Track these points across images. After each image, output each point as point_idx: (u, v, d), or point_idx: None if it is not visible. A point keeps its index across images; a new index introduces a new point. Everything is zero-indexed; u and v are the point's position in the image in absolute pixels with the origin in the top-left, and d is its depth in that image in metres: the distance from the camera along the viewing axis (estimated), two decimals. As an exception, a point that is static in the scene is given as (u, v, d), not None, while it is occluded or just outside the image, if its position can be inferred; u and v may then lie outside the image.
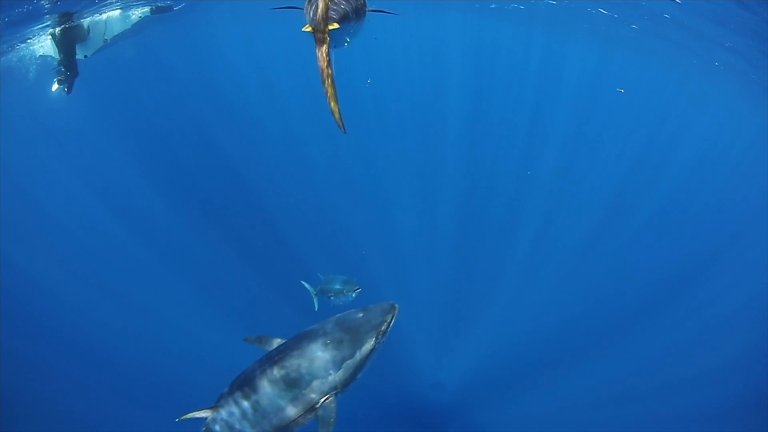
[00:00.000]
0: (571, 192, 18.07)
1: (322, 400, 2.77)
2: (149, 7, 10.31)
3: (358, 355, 2.82)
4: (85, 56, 9.55)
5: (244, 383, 2.88)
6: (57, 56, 8.90)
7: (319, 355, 2.79)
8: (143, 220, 14.35)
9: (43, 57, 10.27)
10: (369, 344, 2.83)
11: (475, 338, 13.31)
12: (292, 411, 2.76)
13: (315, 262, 11.15)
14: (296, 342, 2.92)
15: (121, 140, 15.20)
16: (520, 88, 22.44)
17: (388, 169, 17.33)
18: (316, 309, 8.18)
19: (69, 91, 9.01)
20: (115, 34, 9.80)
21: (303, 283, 8.36)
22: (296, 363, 2.78)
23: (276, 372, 2.79)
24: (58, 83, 8.77)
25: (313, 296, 8.26)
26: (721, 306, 14.54)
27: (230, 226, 14.38)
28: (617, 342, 13.43)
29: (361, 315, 2.94)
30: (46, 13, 8.23)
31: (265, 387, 2.79)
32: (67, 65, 8.84)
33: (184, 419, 2.80)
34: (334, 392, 2.82)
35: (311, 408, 2.78)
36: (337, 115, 2.71)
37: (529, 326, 13.56)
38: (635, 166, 19.99)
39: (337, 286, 7.77)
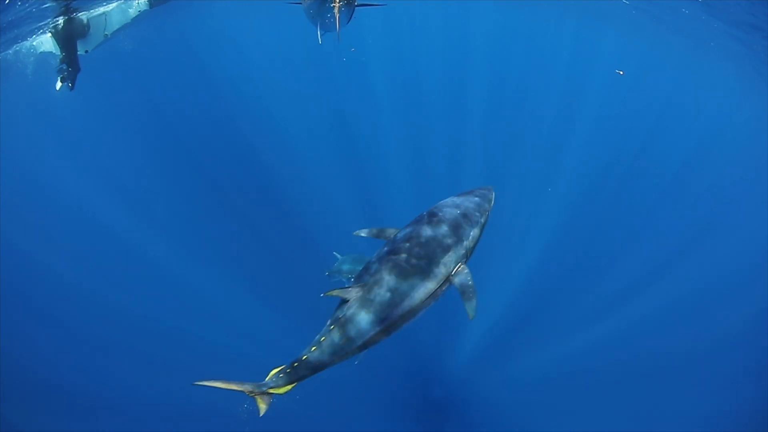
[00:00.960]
0: (565, 171, 18.14)
1: (455, 269, 2.96)
2: (148, 0, 10.27)
3: (480, 224, 3.17)
4: (86, 51, 9.54)
5: (382, 264, 2.93)
6: (58, 53, 8.88)
7: (448, 228, 3.00)
8: (148, 210, 14.45)
9: (42, 52, 10.22)
10: (485, 215, 3.22)
11: (473, 329, 13.61)
12: (430, 285, 2.86)
13: (326, 243, 11.39)
14: (428, 217, 3.11)
15: (122, 132, 15.21)
16: (510, 68, 22.44)
17: (395, 153, 17.44)
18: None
19: (72, 87, 9.02)
20: (115, 28, 9.77)
21: (335, 253, 8.35)
22: (430, 236, 2.95)
23: (412, 249, 2.91)
24: (61, 80, 8.77)
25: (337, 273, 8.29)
26: (716, 281, 14.76)
27: (237, 210, 14.53)
28: (610, 317, 13.76)
29: (473, 192, 3.34)
30: (47, 9, 8.22)
31: (406, 264, 2.86)
32: (69, 61, 8.83)
33: (329, 295, 2.89)
34: (463, 260, 3.03)
35: (445, 280, 2.94)
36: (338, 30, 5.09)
37: (525, 308, 13.88)
38: (630, 146, 20.07)
39: (358, 267, 7.68)
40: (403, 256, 2.90)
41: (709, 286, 14.32)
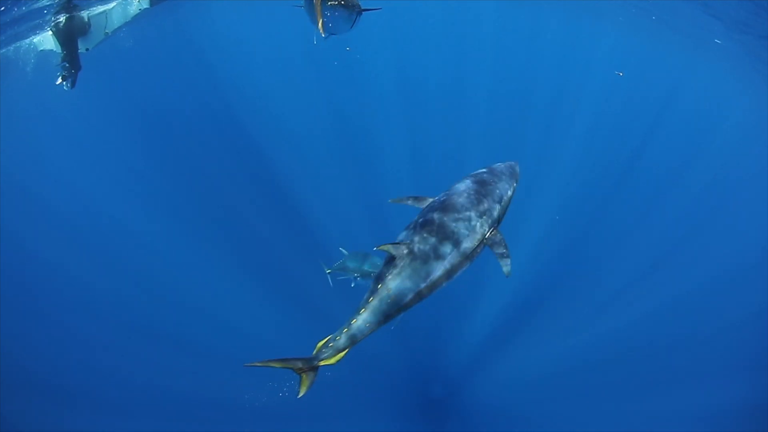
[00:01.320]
0: (563, 169, 18.00)
1: (488, 233, 3.22)
2: (147, -2, 10.25)
3: (510, 192, 3.48)
4: (87, 49, 9.54)
5: (425, 225, 3.12)
6: (59, 51, 8.87)
7: (483, 194, 3.30)
8: (150, 206, 14.42)
9: (43, 50, 10.21)
10: (514, 185, 3.58)
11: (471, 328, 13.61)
12: (467, 245, 3.08)
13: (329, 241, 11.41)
14: (462, 185, 3.36)
15: (123, 130, 15.20)
16: (508, 67, 22.38)
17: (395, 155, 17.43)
18: (352, 286, 8.16)
19: (72, 86, 9.01)
20: (116, 26, 9.76)
21: (341, 249, 8.33)
22: (466, 202, 3.20)
23: (451, 211, 3.15)
24: (62, 78, 8.76)
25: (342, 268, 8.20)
26: (715, 280, 14.68)
27: (238, 206, 14.53)
28: (609, 315, 13.80)
29: (503, 165, 3.70)
30: (48, 7, 8.21)
31: (445, 225, 3.08)
32: (70, 60, 8.83)
33: (381, 249, 2.98)
34: (496, 225, 3.31)
35: (479, 243, 3.17)
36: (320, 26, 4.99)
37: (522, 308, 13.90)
38: (628, 144, 19.94)
39: (366, 267, 7.54)
40: (443, 219, 3.10)
41: (708, 285, 14.32)
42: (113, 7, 9.54)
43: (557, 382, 12.22)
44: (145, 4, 10.20)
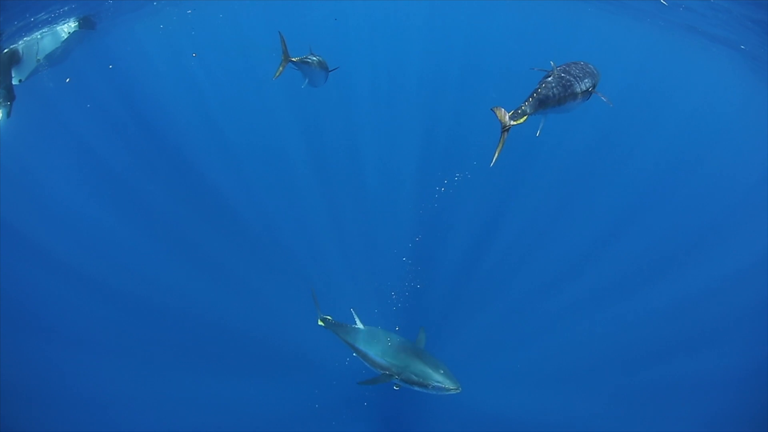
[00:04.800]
0: (559, 169, 17.63)
1: (589, 89, 4.71)
2: (75, 21, 10.31)
3: (595, 73, 4.91)
4: (20, 81, 9.47)
5: (563, 73, 4.55)
6: (-7, 83, 8.79)
7: (585, 71, 4.75)
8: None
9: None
10: (596, 72, 4.95)
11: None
12: (579, 89, 4.53)
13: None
14: (569, 67, 4.75)
15: (68, 159, 14.80)
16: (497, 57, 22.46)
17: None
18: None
19: (8, 116, 8.97)
20: (48, 52, 9.77)
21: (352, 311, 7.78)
22: (582, 70, 4.68)
23: (573, 72, 4.60)
24: (-4, 109, 8.71)
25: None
26: (714, 280, 14.61)
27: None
28: (599, 315, 13.58)
29: (591, 66, 5.04)
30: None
31: (573, 77, 4.52)
32: (5, 90, 8.79)
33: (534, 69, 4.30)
34: (590, 89, 4.75)
35: (583, 92, 4.59)
36: None
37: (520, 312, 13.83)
38: (623, 144, 19.52)
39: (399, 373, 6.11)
40: (570, 76, 4.55)
41: (707, 286, 14.24)
42: (43, 34, 9.54)
43: (554, 384, 12.00)
44: (74, 28, 10.25)
